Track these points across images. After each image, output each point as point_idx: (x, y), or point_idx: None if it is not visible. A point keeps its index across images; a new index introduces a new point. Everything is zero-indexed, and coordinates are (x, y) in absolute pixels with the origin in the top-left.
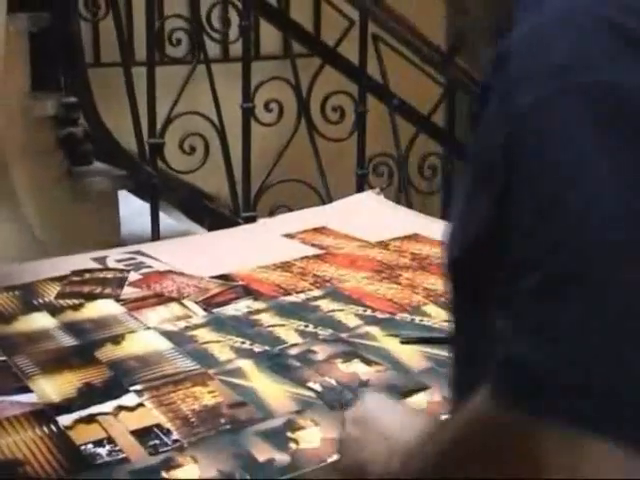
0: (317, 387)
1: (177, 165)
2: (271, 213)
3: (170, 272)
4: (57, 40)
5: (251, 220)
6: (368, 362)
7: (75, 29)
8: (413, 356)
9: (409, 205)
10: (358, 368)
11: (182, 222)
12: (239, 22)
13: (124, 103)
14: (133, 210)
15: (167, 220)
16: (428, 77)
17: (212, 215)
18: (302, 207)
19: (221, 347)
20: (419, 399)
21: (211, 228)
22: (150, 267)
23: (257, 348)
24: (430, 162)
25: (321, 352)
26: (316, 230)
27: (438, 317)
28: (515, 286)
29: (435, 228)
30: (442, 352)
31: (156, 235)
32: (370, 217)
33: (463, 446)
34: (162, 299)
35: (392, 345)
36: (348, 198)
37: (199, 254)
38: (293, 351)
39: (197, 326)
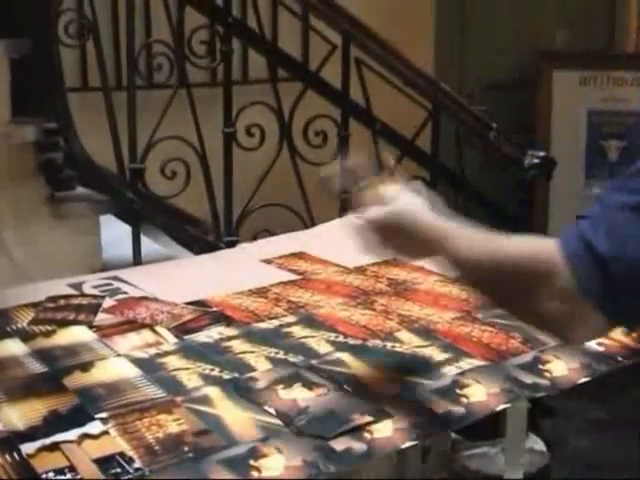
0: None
1: (160, 190)
2: (254, 238)
3: (145, 298)
4: (37, 66)
5: (233, 245)
6: (310, 386)
7: (55, 54)
8: (384, 382)
9: None
10: (299, 394)
11: (168, 246)
12: (220, 47)
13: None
14: (119, 234)
15: (152, 245)
16: (412, 101)
17: (194, 240)
18: (285, 232)
19: (189, 374)
20: (383, 427)
21: (197, 253)
22: (125, 293)
23: (226, 375)
24: None
25: (263, 380)
26: (294, 255)
27: (410, 343)
28: None
29: None
30: (413, 378)
31: (138, 260)
32: (349, 242)
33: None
34: (134, 326)
35: (362, 371)
36: (328, 223)
37: (176, 279)
38: (261, 378)
39: (167, 353)
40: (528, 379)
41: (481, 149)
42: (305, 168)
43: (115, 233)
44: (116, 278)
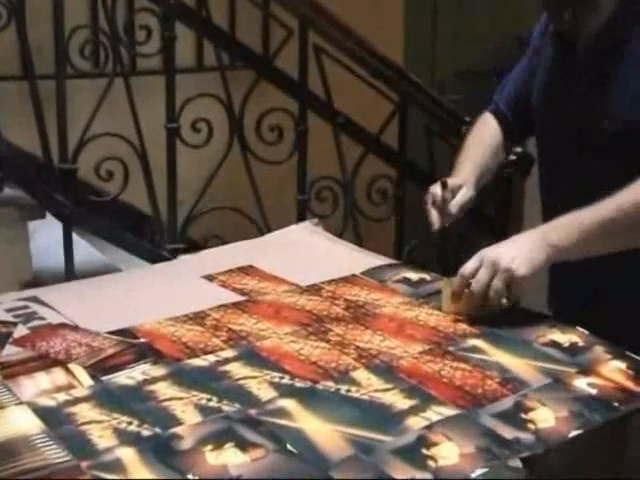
0: None
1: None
2: (203, 244)
3: (63, 326)
4: None
5: (176, 253)
6: (245, 447)
7: None
8: (334, 440)
9: (356, 234)
10: (231, 457)
11: (107, 250)
12: (161, 33)
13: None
14: (57, 238)
15: (89, 250)
16: (377, 92)
17: (135, 248)
18: (237, 238)
19: (102, 429)
20: None
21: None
22: (42, 319)
23: (145, 431)
24: (379, 186)
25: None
26: (241, 270)
27: (369, 386)
28: None
29: (379, 269)
30: (370, 434)
31: (70, 271)
32: (303, 254)
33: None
34: (46, 362)
35: (309, 424)
36: (281, 231)
37: (102, 301)
38: (187, 435)
39: (79, 400)
40: (508, 433)
41: (452, 144)
42: (258, 167)
43: (53, 237)
44: (35, 299)
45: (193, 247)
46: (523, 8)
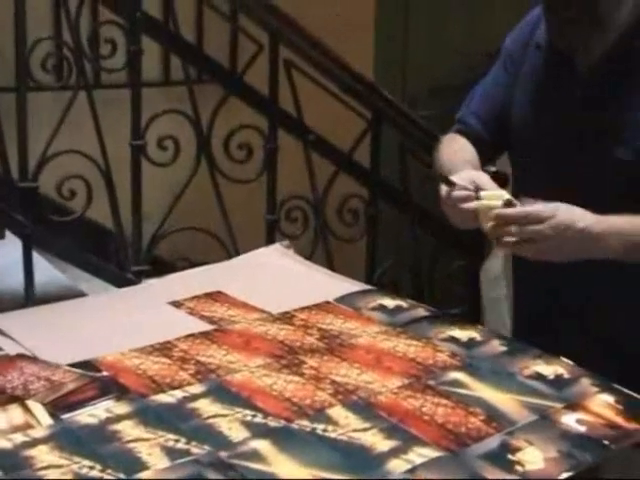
0: None
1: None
2: (164, 266)
3: (22, 357)
4: None
5: (141, 276)
6: None
7: None
8: None
9: (327, 255)
10: None
11: (69, 271)
12: (127, 47)
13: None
14: (17, 259)
15: (50, 270)
16: (349, 109)
17: (98, 271)
18: (205, 258)
19: (61, 474)
20: None
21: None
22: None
23: (108, 476)
24: (351, 205)
25: None
26: (209, 296)
27: (346, 426)
28: None
29: (353, 295)
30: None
31: (31, 295)
32: (274, 279)
33: None
34: (1, 399)
35: (284, 468)
36: (251, 253)
37: (63, 330)
38: None
39: (37, 442)
40: (496, 476)
41: (427, 162)
42: (227, 186)
43: (13, 257)
44: None
45: (160, 265)
46: (496, 22)
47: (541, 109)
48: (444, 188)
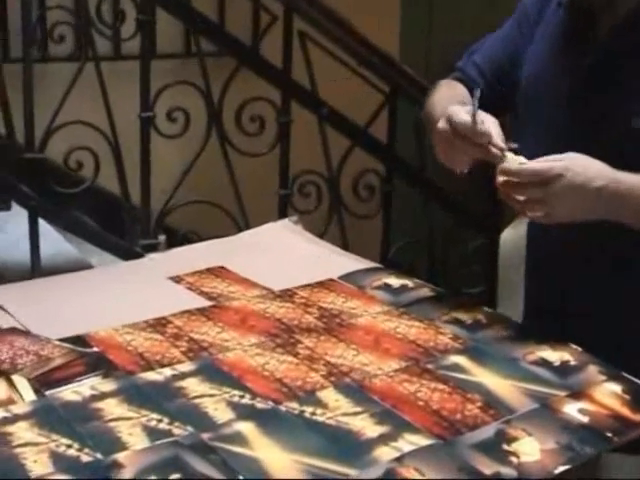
0: None
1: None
2: (180, 240)
3: (12, 331)
4: None
5: (151, 249)
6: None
7: None
8: (292, 474)
9: (341, 231)
10: None
11: (79, 242)
12: (136, 16)
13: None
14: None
15: (61, 242)
16: (365, 83)
17: (106, 244)
18: (215, 233)
19: (37, 453)
20: None
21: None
22: None
23: (85, 456)
24: (366, 181)
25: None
26: (210, 271)
27: (336, 409)
28: None
29: (358, 273)
30: (333, 466)
31: (37, 267)
32: (279, 255)
33: None
34: None
35: (266, 453)
36: (258, 229)
37: (59, 303)
38: (129, 464)
39: (18, 418)
40: (487, 468)
41: None
42: (238, 159)
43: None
44: None
45: (174, 239)
46: None
47: (554, 73)
48: (445, 123)
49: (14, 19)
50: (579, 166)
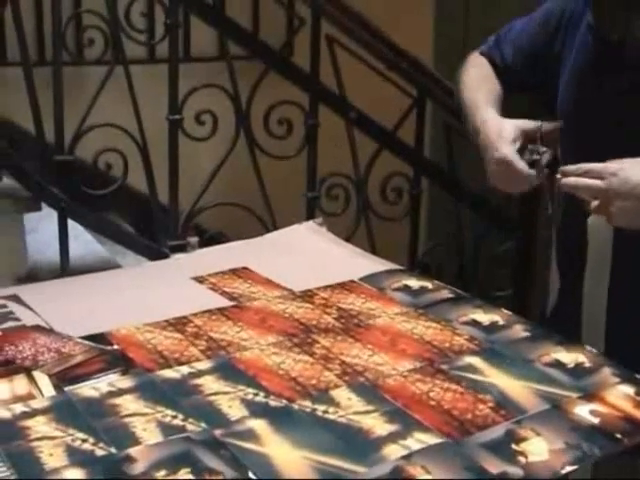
0: None
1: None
2: (207, 242)
3: (36, 329)
4: None
5: (179, 250)
6: (201, 473)
7: None
8: (301, 470)
9: (369, 234)
10: None
11: (108, 243)
12: (165, 19)
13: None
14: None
15: (92, 242)
16: (393, 85)
17: (134, 244)
18: (243, 235)
19: (53, 448)
20: None
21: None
22: (17, 320)
23: (100, 450)
24: (394, 184)
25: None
26: (234, 272)
27: (348, 408)
28: None
29: (379, 275)
30: (341, 463)
31: (65, 267)
32: (302, 257)
33: None
34: (9, 369)
35: (277, 449)
36: (283, 230)
37: (83, 302)
38: (141, 458)
39: (36, 412)
40: (495, 467)
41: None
42: (266, 162)
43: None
44: (14, 298)
45: (200, 237)
46: None
47: (591, 98)
48: (500, 166)
49: (50, 23)
50: (636, 162)
